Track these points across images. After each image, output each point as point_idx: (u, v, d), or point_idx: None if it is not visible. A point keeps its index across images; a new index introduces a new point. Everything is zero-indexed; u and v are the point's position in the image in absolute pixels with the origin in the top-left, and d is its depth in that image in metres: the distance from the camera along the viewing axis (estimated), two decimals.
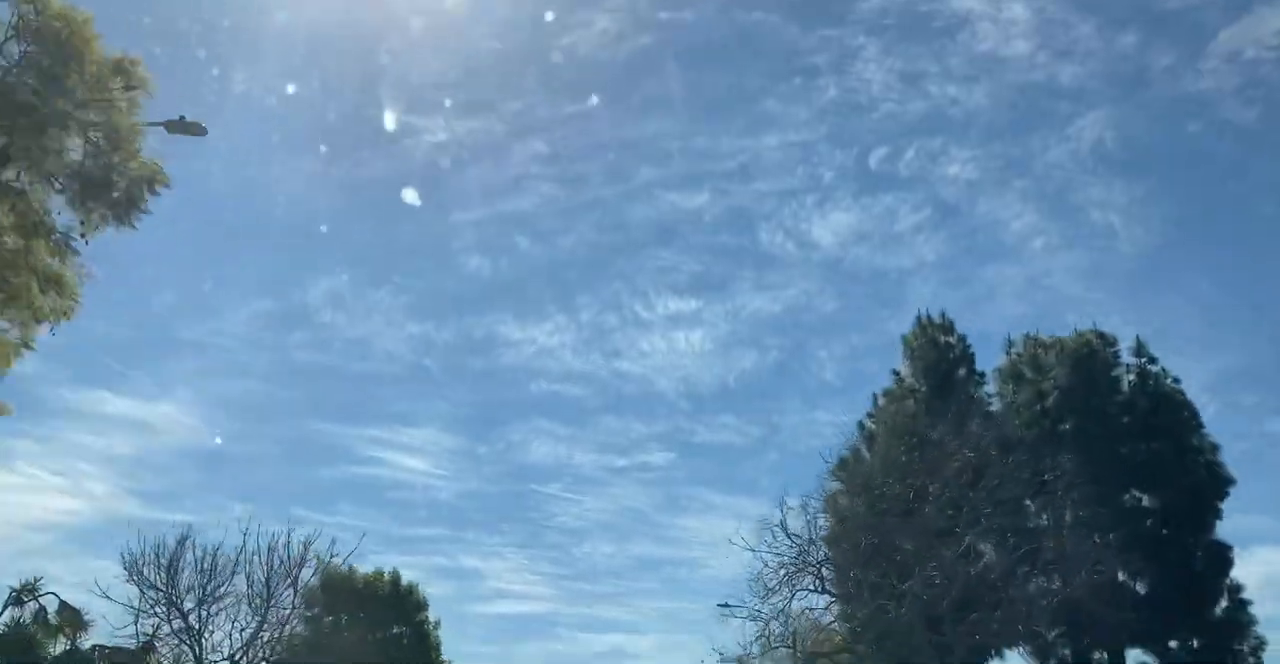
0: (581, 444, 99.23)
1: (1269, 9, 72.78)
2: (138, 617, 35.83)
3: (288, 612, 38.86)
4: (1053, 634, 33.01)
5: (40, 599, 33.35)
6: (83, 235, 18.38)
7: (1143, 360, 36.75)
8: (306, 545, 38.69)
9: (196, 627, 36.53)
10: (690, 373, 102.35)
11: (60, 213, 19.03)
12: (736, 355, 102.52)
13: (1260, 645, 33.46)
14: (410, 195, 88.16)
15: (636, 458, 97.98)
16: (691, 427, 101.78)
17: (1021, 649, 33.37)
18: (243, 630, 37.05)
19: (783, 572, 33.68)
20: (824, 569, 34.41)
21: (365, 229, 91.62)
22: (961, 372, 37.63)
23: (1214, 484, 34.50)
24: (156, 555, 36.70)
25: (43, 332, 19.47)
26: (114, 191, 18.94)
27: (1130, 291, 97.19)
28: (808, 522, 34.28)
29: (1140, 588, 33.37)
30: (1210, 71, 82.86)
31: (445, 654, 47.79)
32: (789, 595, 34.24)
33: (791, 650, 36.11)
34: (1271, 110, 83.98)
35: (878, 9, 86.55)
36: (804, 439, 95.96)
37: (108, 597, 35.33)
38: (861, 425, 37.91)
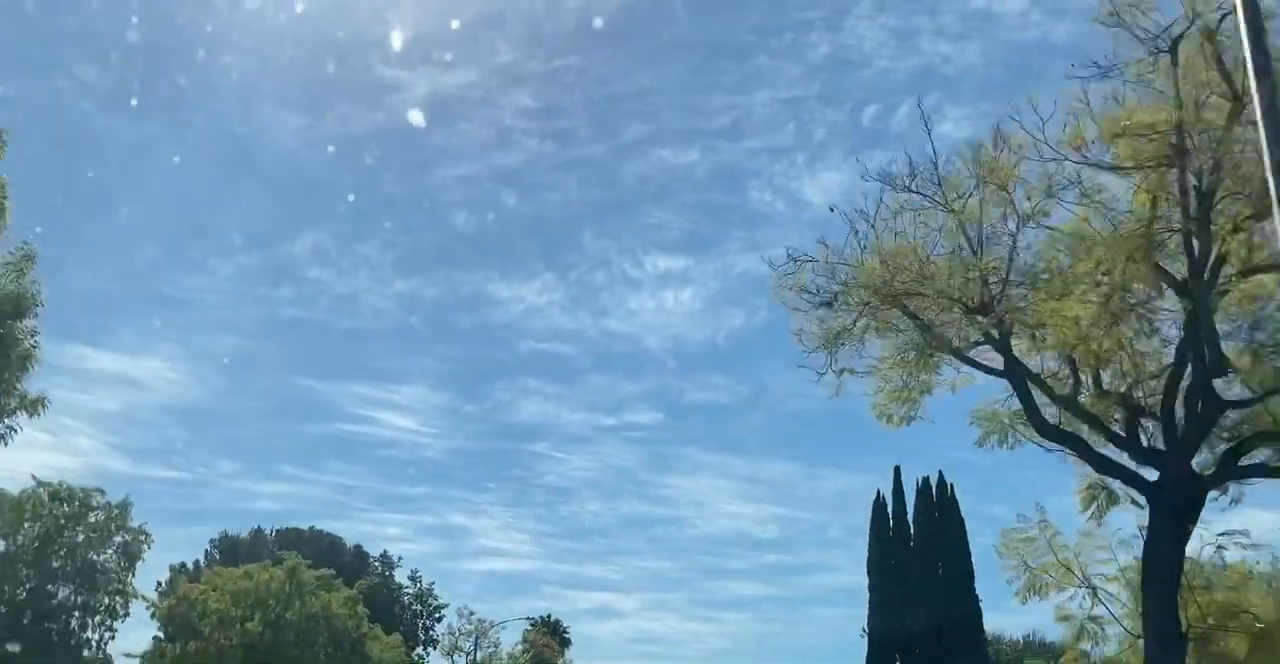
0: (569, 403, 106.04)
1: None
2: None
3: None
4: None
5: None
6: None
7: None
8: None
9: None
10: (679, 332, 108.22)
11: None
12: (726, 314, 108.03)
13: None
14: (416, 117, 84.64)
15: (624, 417, 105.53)
16: (680, 386, 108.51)
17: None
18: None
19: None
20: None
21: (351, 184, 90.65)
22: None
23: None
24: None
25: None
26: None
27: None
28: None
29: None
30: None
31: None
32: None
33: None
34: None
35: None
36: (791, 400, 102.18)
37: None
38: None
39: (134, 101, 79.44)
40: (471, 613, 64.44)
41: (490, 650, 64.89)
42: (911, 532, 63.60)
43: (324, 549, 68.76)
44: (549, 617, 72.12)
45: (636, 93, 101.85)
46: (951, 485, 64.11)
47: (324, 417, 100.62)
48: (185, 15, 60.26)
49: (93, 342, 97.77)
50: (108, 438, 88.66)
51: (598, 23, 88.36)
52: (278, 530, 73.78)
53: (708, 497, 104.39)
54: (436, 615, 66.99)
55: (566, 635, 78.94)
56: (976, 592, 61.39)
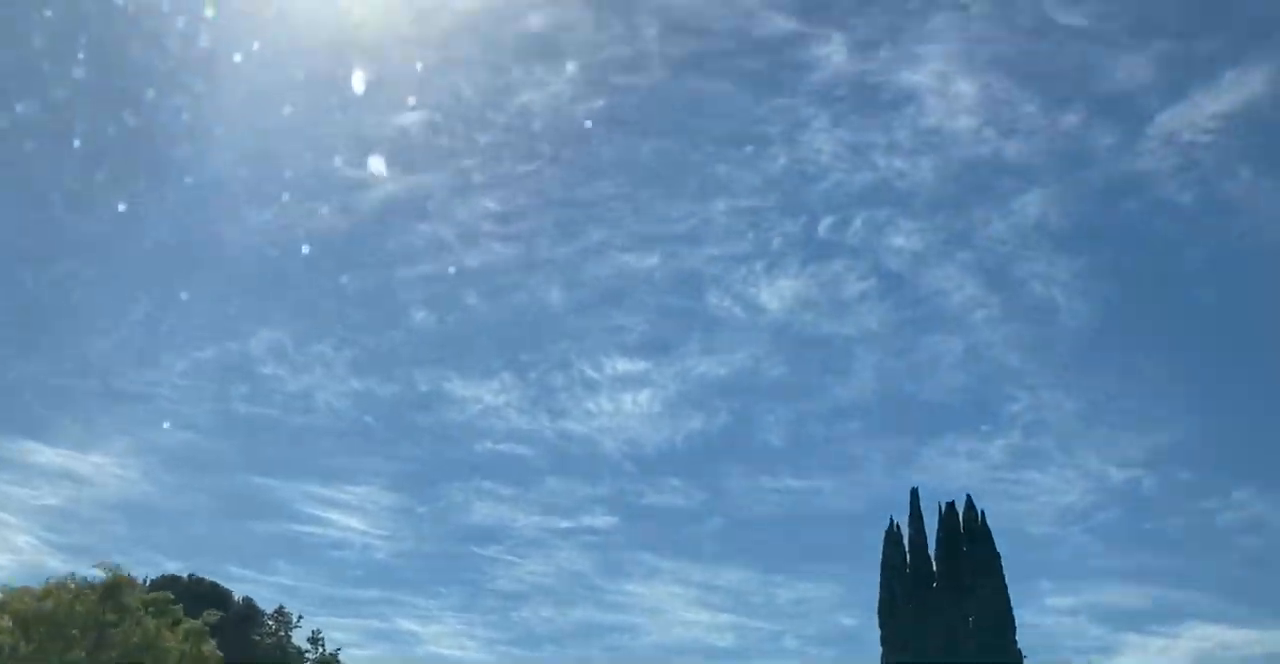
0: (524, 505, 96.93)
1: (1205, 95, 79.44)
2: None
3: None
4: None
5: None
6: None
7: None
8: None
9: None
10: (637, 434, 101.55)
11: None
12: (684, 418, 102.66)
13: None
14: (377, 164, 79.98)
15: (580, 520, 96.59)
16: (637, 489, 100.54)
17: None
18: None
19: None
20: None
21: (311, 281, 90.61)
22: None
23: None
24: None
25: None
26: None
27: (1070, 365, 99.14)
28: None
29: None
30: (1149, 152, 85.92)
31: None
32: None
33: None
34: (1206, 193, 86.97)
35: (828, 81, 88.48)
36: (749, 505, 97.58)
37: None
38: None
39: (93, 203, 76.86)
40: None
41: None
42: (934, 567, 51.31)
43: (203, 597, 54.88)
44: None
45: (599, 199, 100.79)
46: (982, 512, 52.25)
47: (274, 516, 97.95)
48: (152, 108, 59.50)
49: (38, 436, 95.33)
50: (47, 535, 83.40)
51: (563, 131, 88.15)
52: (152, 579, 60.47)
53: (663, 603, 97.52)
54: None
55: None
56: (1018, 644, 49.04)
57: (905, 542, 52.07)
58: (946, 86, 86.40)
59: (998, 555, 50.90)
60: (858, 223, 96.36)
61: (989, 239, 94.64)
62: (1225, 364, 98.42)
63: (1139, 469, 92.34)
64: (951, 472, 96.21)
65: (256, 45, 50.93)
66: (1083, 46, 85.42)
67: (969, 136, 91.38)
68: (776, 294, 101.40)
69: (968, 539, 51.12)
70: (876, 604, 51.84)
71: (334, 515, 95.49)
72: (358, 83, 57.73)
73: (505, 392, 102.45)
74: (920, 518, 52.26)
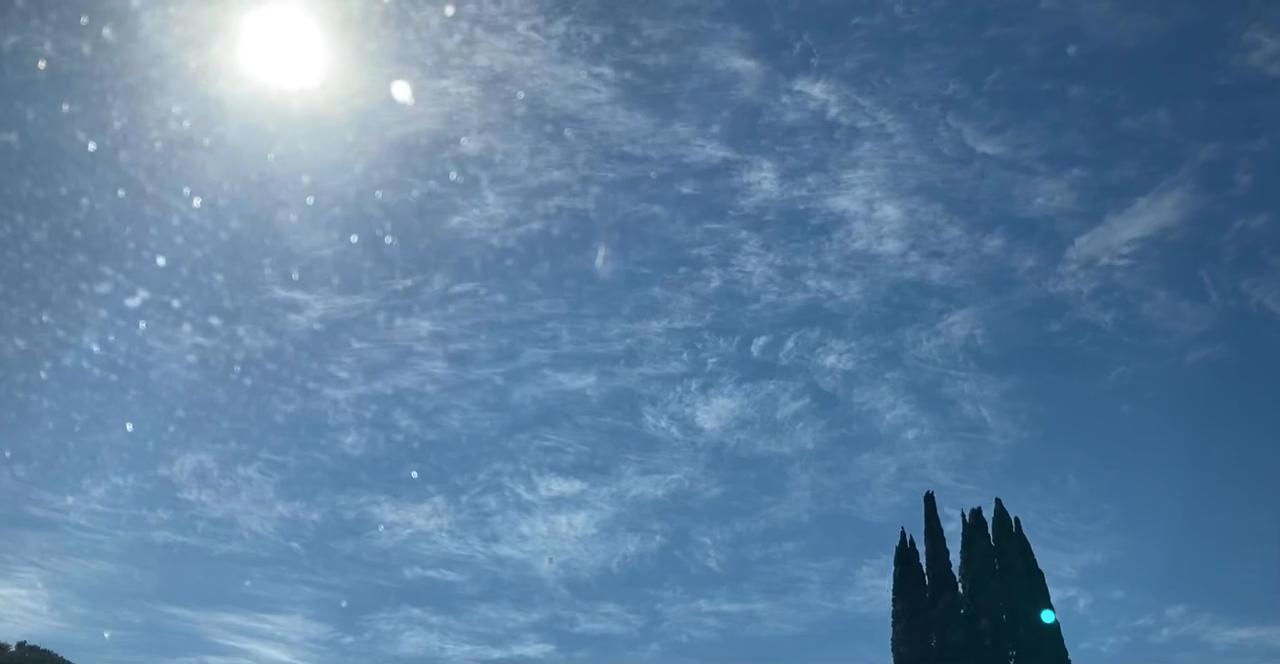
0: (454, 634, 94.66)
1: (1120, 220, 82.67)
2: None
3: None
4: None
5: None
6: None
7: None
8: None
9: None
10: (572, 558, 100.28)
11: None
12: (620, 540, 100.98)
13: None
14: (308, 284, 78.15)
15: (512, 649, 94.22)
16: (571, 615, 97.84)
17: None
18: None
19: None
20: None
21: (239, 402, 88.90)
22: None
23: None
24: None
25: None
26: None
27: (1002, 483, 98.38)
28: None
29: None
30: (1069, 275, 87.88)
31: None
32: None
33: None
34: (1125, 314, 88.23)
35: (759, 206, 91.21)
36: (686, 629, 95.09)
37: None
38: None
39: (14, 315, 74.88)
40: None
41: None
42: (960, 587, 40.37)
43: None
44: None
45: (535, 319, 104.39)
46: (1017, 520, 41.74)
47: (190, 648, 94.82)
48: (73, 223, 58.46)
49: None
50: None
51: (499, 251, 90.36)
52: None
53: None
54: None
55: None
56: None
57: (922, 559, 41.53)
58: (873, 211, 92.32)
59: (1040, 573, 40.10)
60: (790, 343, 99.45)
61: (918, 359, 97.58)
62: (1152, 480, 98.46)
63: (1073, 588, 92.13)
64: (887, 592, 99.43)
65: (187, 162, 50.60)
66: (1002, 174, 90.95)
67: (896, 259, 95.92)
68: (712, 413, 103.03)
69: (1000, 552, 40.50)
70: (890, 643, 40.65)
71: (254, 646, 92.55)
72: (289, 204, 58.54)
73: (436, 515, 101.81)
74: (939, 529, 41.97)
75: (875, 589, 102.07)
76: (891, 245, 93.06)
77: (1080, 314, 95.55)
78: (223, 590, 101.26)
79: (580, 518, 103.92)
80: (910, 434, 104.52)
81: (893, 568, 41.98)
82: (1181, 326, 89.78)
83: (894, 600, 41.22)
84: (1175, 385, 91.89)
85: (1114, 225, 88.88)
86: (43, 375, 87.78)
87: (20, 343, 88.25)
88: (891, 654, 40.30)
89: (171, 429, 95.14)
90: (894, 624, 40.92)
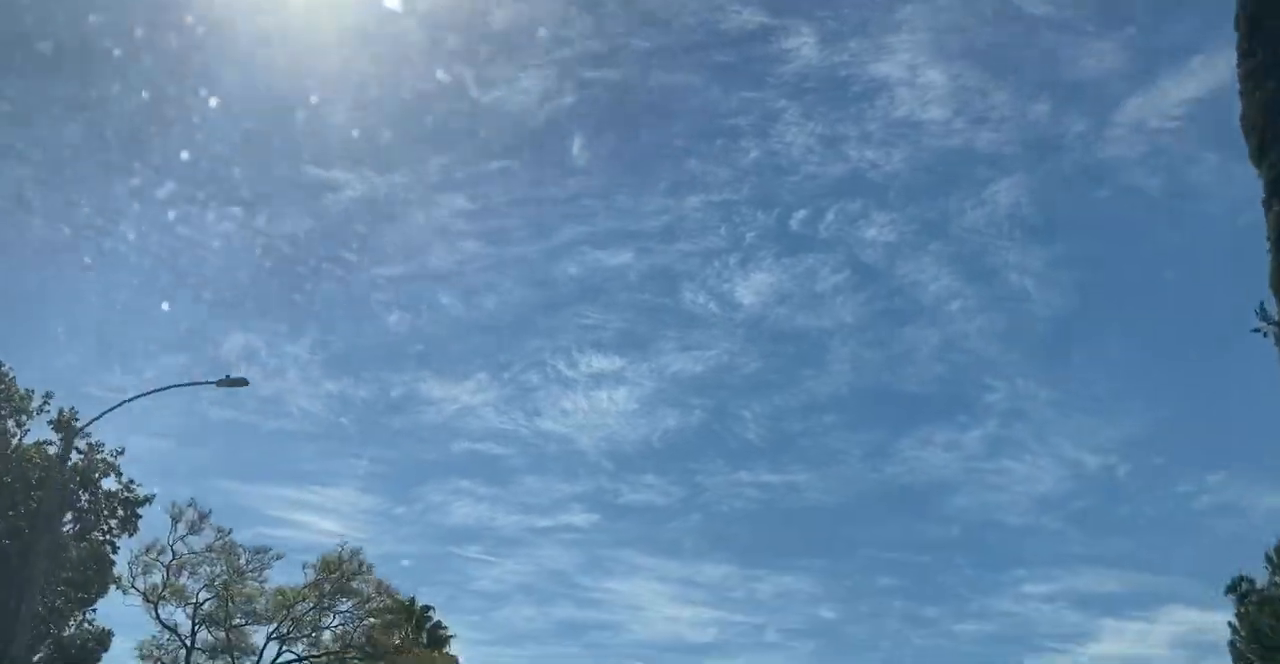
0: (503, 505, 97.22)
1: (1171, 82, 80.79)
2: None
3: None
4: None
5: None
6: None
7: None
8: None
9: None
10: (613, 432, 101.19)
11: None
12: (660, 415, 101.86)
13: None
14: (342, 165, 75.55)
15: (559, 519, 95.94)
16: (615, 487, 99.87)
17: None
18: None
19: None
20: None
21: (282, 283, 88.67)
22: None
23: None
24: None
25: None
26: None
27: (1045, 354, 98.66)
28: None
29: None
30: (1117, 140, 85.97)
31: None
32: None
33: None
34: (1173, 179, 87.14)
35: (798, 73, 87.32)
36: (727, 500, 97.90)
37: None
38: None
39: (57, 198, 71.63)
40: (198, 512, 42.76)
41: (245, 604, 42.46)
42: None
43: None
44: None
45: (570, 196, 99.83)
46: None
47: (246, 521, 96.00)
48: (107, 106, 55.75)
49: None
50: None
51: (531, 128, 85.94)
52: None
53: (644, 600, 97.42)
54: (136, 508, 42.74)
55: (430, 616, 56.30)
56: None
57: None
58: (916, 77, 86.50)
59: None
60: (831, 215, 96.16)
61: (962, 229, 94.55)
62: (1196, 348, 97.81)
63: (1114, 456, 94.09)
64: (928, 462, 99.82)
65: (208, 46, 48.86)
66: (1050, 35, 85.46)
67: (940, 127, 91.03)
68: (751, 289, 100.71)
69: None
70: None
71: (308, 518, 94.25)
72: (320, 85, 58.04)
73: (481, 391, 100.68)
74: None
75: (915, 460, 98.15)
76: (935, 112, 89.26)
77: (1128, 179, 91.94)
78: (277, 466, 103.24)
79: (621, 393, 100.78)
80: (953, 306, 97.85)
81: None
82: (1232, 191, 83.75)
83: None
84: (1224, 251, 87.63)
85: (1165, 87, 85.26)
86: (87, 260, 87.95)
87: (66, 230, 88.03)
88: None
89: (218, 311, 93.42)
90: None
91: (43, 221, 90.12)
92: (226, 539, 42.19)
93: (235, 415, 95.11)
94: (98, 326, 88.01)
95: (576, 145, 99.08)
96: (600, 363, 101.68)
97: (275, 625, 41.56)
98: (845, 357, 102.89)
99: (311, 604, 41.60)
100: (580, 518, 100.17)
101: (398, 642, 42.19)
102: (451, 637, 56.47)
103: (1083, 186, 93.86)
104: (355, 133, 70.79)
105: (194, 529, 41.77)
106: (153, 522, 43.04)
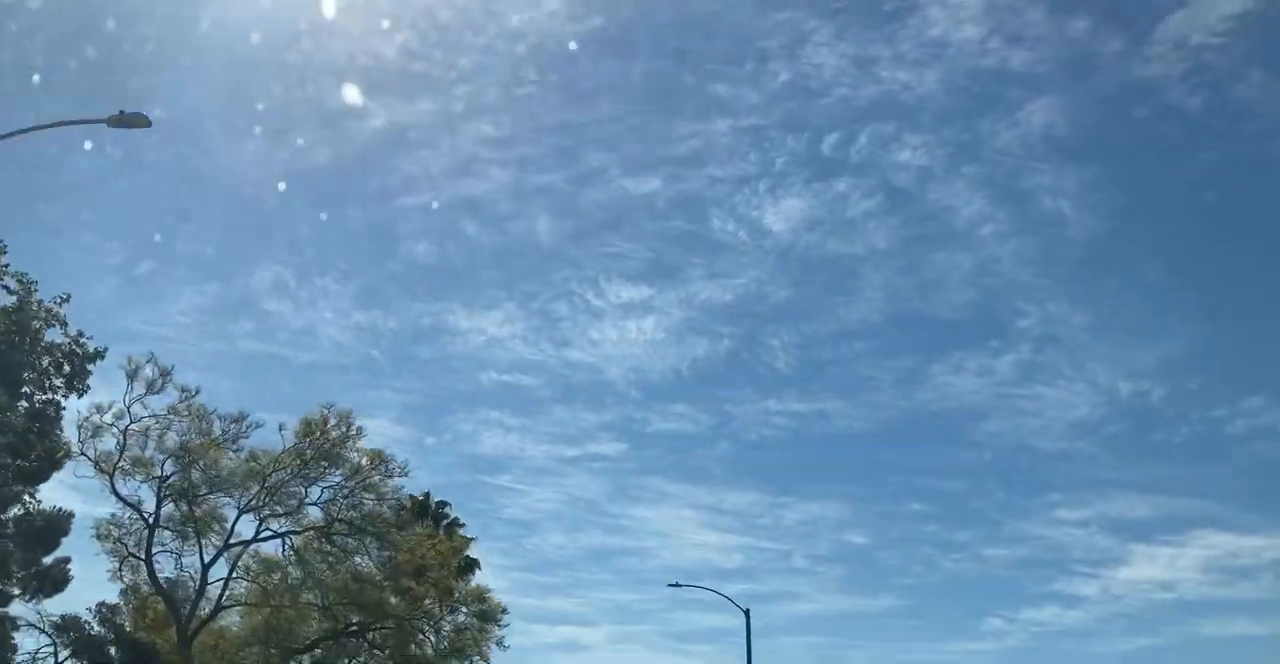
0: (532, 434, 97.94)
1: None
2: None
3: None
4: None
5: None
6: None
7: None
8: None
9: None
10: (641, 362, 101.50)
11: None
12: (688, 344, 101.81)
13: None
14: (362, 93, 73.82)
15: (588, 448, 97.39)
16: (643, 416, 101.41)
17: None
18: None
19: None
20: None
21: (309, 215, 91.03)
22: None
23: None
24: None
25: None
26: None
27: (1079, 278, 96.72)
28: None
29: None
30: (1158, 57, 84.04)
31: None
32: None
33: None
34: (1216, 97, 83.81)
35: None
36: (755, 428, 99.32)
37: None
38: None
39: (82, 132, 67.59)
40: (159, 368, 36.62)
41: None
42: None
43: None
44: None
45: (596, 121, 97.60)
46: None
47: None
48: (133, 40, 55.83)
49: None
50: None
51: (556, 51, 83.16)
52: None
53: (673, 527, 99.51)
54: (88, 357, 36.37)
55: (447, 512, 50.72)
56: None
57: None
58: None
59: None
60: (862, 139, 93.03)
61: (996, 152, 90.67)
62: (1234, 271, 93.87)
63: (1148, 380, 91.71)
64: (960, 388, 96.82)
65: None
66: None
67: (974, 46, 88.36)
68: (781, 215, 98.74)
69: None
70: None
71: None
72: (330, 8, 52.03)
73: (509, 322, 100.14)
74: None
75: (947, 386, 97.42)
76: (970, 31, 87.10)
77: (1167, 98, 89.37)
78: (307, 397, 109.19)
79: (649, 323, 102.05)
80: (986, 230, 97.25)
81: None
82: (1276, 109, 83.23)
83: None
84: (1266, 172, 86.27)
85: (1210, 1, 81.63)
86: (123, 185, 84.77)
87: (94, 162, 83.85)
88: None
89: (247, 243, 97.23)
90: None
91: (73, 151, 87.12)
92: (193, 401, 36.03)
93: (266, 348, 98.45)
94: (130, 259, 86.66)
95: (602, 70, 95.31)
96: (628, 292, 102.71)
97: (247, 498, 35.31)
98: (877, 283, 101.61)
99: (290, 473, 35.23)
100: (609, 447, 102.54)
101: (391, 515, 35.71)
102: (472, 539, 50.57)
103: (1120, 106, 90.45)
104: (377, 60, 69.71)
105: (154, 388, 35.64)
106: (109, 381, 37.16)
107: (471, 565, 47.95)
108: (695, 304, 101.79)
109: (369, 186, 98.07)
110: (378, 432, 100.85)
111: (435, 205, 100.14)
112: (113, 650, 34.93)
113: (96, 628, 39.35)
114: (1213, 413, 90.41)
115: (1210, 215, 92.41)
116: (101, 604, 39.73)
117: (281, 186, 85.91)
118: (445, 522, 51.28)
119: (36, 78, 52.05)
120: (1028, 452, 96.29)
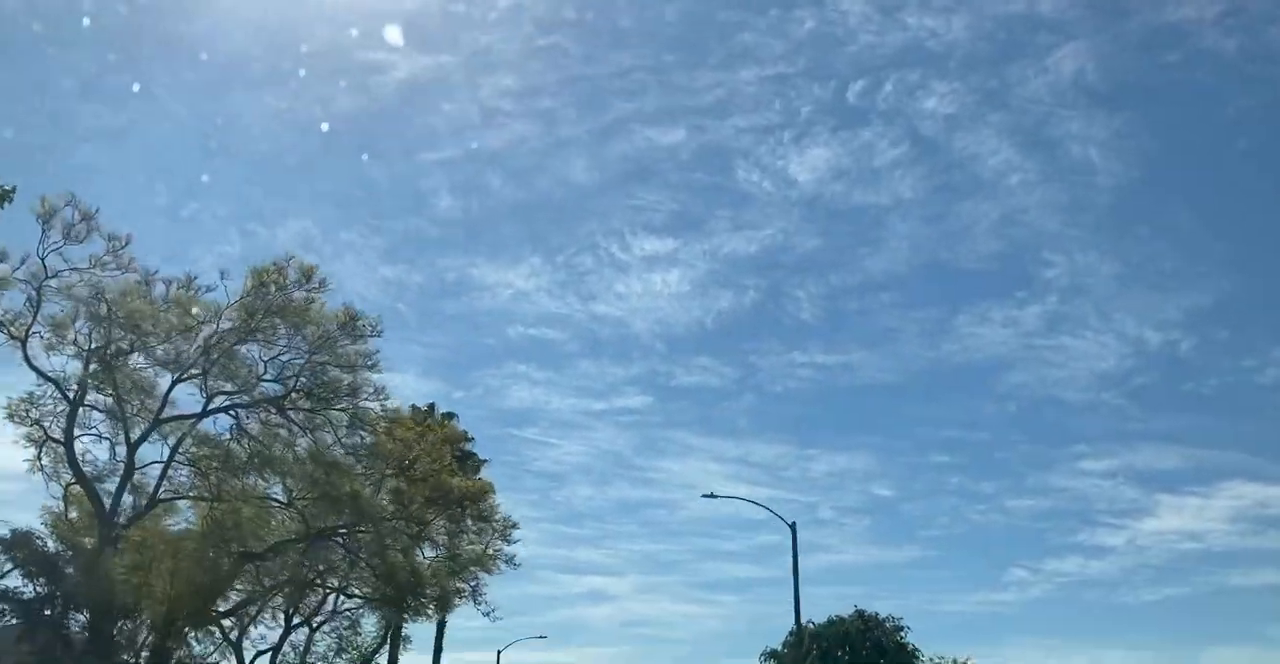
0: (559, 388, 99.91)
1: None
2: None
3: None
4: None
5: None
6: None
7: None
8: None
9: None
10: (667, 315, 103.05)
11: None
12: (713, 296, 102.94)
13: None
14: (392, 41, 69.79)
15: (614, 401, 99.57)
16: (669, 369, 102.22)
17: None
18: None
19: None
20: None
21: (333, 169, 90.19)
22: None
23: None
24: None
25: None
26: None
27: (1108, 227, 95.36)
28: None
29: None
30: (1190, 0, 78.18)
31: None
32: None
33: None
34: (1250, 40, 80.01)
35: None
36: (781, 380, 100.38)
37: None
38: None
39: (107, 86, 74.77)
40: (80, 211, 29.70)
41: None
42: None
43: None
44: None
45: (619, 72, 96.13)
46: None
47: None
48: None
49: None
50: None
51: (579, 2, 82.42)
52: None
53: (699, 479, 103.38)
54: None
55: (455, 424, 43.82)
56: None
57: None
58: None
59: None
60: (889, 87, 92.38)
61: (1024, 99, 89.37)
62: (1267, 220, 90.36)
63: (1177, 331, 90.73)
64: (986, 340, 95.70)
65: None
66: None
67: None
68: (806, 165, 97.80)
69: None
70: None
71: (366, 402, 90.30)
72: None
73: (535, 275, 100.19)
74: None
75: (973, 337, 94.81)
76: None
77: (1201, 42, 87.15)
78: None
79: (674, 275, 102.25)
80: (1013, 179, 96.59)
81: None
82: None
83: None
84: None
85: None
86: (142, 142, 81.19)
87: (117, 111, 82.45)
88: None
89: (272, 193, 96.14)
90: None
91: (103, 106, 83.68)
92: (123, 253, 29.22)
93: None
94: (150, 214, 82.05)
95: (625, 19, 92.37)
96: (653, 245, 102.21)
97: (183, 362, 28.34)
98: (903, 233, 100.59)
99: (236, 330, 28.27)
100: (635, 400, 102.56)
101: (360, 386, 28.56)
102: (484, 462, 43.49)
103: (1151, 51, 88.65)
104: (398, 13, 68.68)
105: (73, 236, 28.83)
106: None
107: (485, 489, 40.98)
108: (720, 256, 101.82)
109: (393, 139, 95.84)
110: (405, 385, 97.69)
111: (460, 158, 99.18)
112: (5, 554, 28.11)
113: None
114: (1243, 363, 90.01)
115: (1243, 162, 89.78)
116: None
117: (303, 136, 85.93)
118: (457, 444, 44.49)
119: (87, 21, 49.98)
120: (1053, 403, 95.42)
